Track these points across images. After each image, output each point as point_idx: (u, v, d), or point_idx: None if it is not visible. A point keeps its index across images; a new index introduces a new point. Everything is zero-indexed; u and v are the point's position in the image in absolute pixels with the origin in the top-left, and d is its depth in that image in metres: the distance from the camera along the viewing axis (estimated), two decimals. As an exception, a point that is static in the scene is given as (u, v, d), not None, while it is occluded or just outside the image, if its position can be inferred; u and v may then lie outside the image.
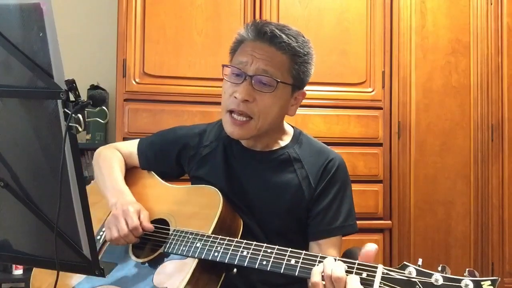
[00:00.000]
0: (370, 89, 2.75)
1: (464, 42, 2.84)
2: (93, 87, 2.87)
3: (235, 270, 1.19)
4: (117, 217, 1.25)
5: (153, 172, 1.49)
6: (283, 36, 1.26)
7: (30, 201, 0.90)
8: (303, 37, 1.32)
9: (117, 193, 1.36)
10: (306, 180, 1.32)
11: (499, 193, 2.85)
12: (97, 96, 0.94)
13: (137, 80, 2.56)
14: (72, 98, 0.82)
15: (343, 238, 1.36)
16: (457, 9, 2.84)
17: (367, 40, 2.75)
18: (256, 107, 1.25)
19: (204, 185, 1.34)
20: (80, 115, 0.82)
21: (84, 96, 0.83)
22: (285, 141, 1.38)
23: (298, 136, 1.40)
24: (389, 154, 2.75)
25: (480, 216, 2.83)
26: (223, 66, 1.30)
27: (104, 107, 2.82)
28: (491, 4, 2.86)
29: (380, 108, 2.75)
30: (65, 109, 0.82)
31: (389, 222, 2.72)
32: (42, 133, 0.89)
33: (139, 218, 1.27)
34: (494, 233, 2.83)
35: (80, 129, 0.82)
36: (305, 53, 1.30)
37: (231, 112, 1.28)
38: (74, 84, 0.82)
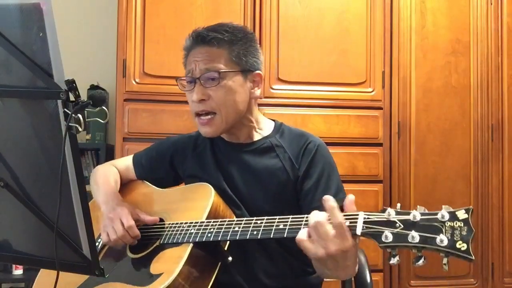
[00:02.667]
0: (370, 89, 2.75)
1: (464, 42, 2.84)
2: (93, 87, 2.87)
3: (230, 258, 1.21)
4: (112, 219, 1.30)
5: (147, 182, 1.54)
6: (213, 33, 1.35)
7: (30, 201, 0.90)
8: (235, 25, 1.41)
9: (109, 200, 1.41)
10: (289, 162, 1.37)
11: (499, 193, 2.85)
12: (97, 96, 0.95)
13: (137, 80, 2.56)
14: (72, 98, 0.82)
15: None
16: (457, 9, 2.84)
17: (367, 40, 2.75)
18: (214, 102, 1.34)
19: (195, 183, 1.39)
20: (80, 115, 0.82)
21: (84, 96, 0.83)
22: (265, 132, 1.45)
23: (279, 127, 1.46)
24: (389, 154, 2.76)
25: (480, 216, 2.83)
26: (177, 79, 1.41)
27: (104, 107, 2.82)
28: (491, 4, 2.86)
29: (380, 108, 2.75)
30: (65, 109, 0.82)
31: (389, 222, 2.72)
32: (42, 133, 0.89)
33: (137, 217, 1.32)
34: (494, 233, 2.83)
35: (80, 129, 0.82)
36: (239, 38, 1.37)
37: (198, 115, 1.37)
38: (74, 84, 0.82)
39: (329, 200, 1.02)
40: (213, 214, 1.26)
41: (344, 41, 2.73)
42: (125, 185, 1.56)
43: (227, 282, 1.27)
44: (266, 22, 2.66)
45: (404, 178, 2.77)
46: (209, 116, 1.35)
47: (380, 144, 2.74)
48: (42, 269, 1.38)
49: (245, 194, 1.37)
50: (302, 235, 1.03)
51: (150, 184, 1.53)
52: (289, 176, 1.36)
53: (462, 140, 2.83)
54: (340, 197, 1.33)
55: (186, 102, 2.83)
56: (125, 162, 1.61)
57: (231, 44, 1.36)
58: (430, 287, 2.76)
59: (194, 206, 1.31)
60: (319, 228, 1.00)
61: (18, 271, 2.71)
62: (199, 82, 1.34)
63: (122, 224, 1.28)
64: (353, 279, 1.45)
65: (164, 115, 2.56)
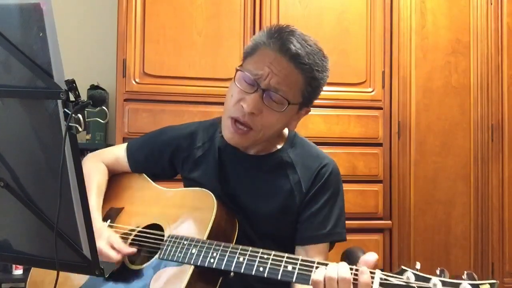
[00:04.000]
0: (370, 89, 2.75)
1: (464, 42, 2.84)
2: (93, 87, 2.88)
3: (232, 273, 1.17)
4: None
5: (144, 175, 1.46)
6: (305, 57, 1.22)
7: (30, 201, 0.90)
8: (323, 56, 1.28)
9: None
10: (298, 185, 1.30)
11: (499, 193, 2.85)
12: (97, 96, 0.95)
13: (137, 80, 2.56)
14: (72, 98, 0.82)
15: (334, 245, 1.35)
16: (457, 9, 2.84)
17: (367, 40, 2.75)
18: (261, 121, 1.22)
19: (197, 188, 1.32)
20: (80, 115, 0.82)
21: (84, 96, 0.83)
22: (279, 144, 1.36)
23: (292, 139, 1.37)
24: (389, 154, 2.75)
25: (480, 216, 2.83)
26: (237, 69, 1.25)
27: (104, 107, 2.82)
28: (491, 4, 2.86)
29: (380, 108, 2.75)
30: (65, 109, 0.81)
31: (389, 222, 2.72)
32: (42, 133, 0.89)
33: (113, 247, 1.23)
34: (494, 233, 2.83)
35: (80, 129, 0.82)
36: (322, 76, 1.26)
37: (234, 120, 1.24)
38: (74, 84, 0.81)
39: (363, 274, 0.96)
40: (215, 229, 1.21)
41: (344, 41, 2.73)
42: (121, 177, 1.48)
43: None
44: (266, 22, 2.66)
45: (404, 178, 2.77)
46: (245, 129, 1.23)
47: (380, 144, 2.74)
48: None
49: (247, 209, 1.31)
50: (319, 276, 0.99)
51: (149, 179, 1.44)
52: (295, 201, 1.30)
53: (462, 140, 2.83)
54: (337, 230, 1.30)
55: (186, 102, 2.84)
56: (115, 153, 1.50)
57: (312, 79, 1.24)
58: (430, 287, 2.76)
59: (195, 218, 1.26)
60: (343, 285, 0.96)
61: (18, 271, 2.71)
62: (260, 93, 1.20)
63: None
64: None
65: (164, 115, 2.56)
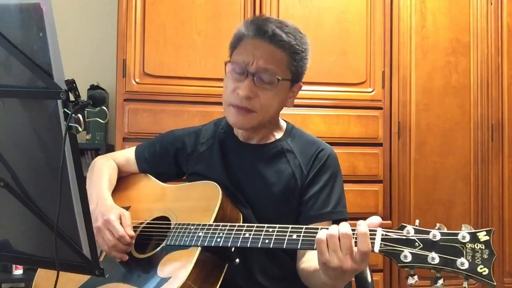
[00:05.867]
0: (370, 89, 2.75)
1: (464, 42, 2.84)
2: (93, 87, 2.88)
3: (237, 260, 1.21)
4: (100, 229, 1.24)
5: (149, 175, 1.51)
6: (283, 35, 1.30)
7: (30, 201, 0.90)
8: (300, 33, 1.37)
9: (97, 199, 1.36)
10: (298, 169, 1.36)
11: (499, 193, 2.85)
12: (97, 96, 0.95)
13: (137, 80, 2.56)
14: (72, 98, 0.82)
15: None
16: (457, 9, 2.84)
17: (367, 40, 2.75)
18: (258, 103, 1.30)
19: (202, 181, 1.37)
20: (80, 115, 0.82)
21: (84, 96, 0.83)
22: (278, 134, 1.43)
23: (290, 130, 1.45)
24: (389, 154, 2.76)
25: (480, 216, 2.83)
26: (226, 63, 1.35)
27: (104, 107, 2.81)
28: (491, 4, 2.86)
29: (380, 108, 2.75)
30: (65, 109, 0.82)
31: (389, 222, 2.72)
32: (42, 133, 0.89)
33: (125, 224, 1.26)
34: (494, 233, 2.83)
35: (80, 129, 0.82)
36: (303, 49, 1.35)
37: (234, 106, 1.32)
38: (74, 84, 0.81)
39: (361, 225, 0.99)
40: (220, 216, 1.24)
41: (344, 41, 2.73)
42: (127, 178, 1.54)
43: (224, 281, 1.26)
44: (266, 22, 2.66)
45: (404, 178, 2.77)
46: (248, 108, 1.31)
47: (380, 144, 2.74)
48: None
49: (252, 196, 1.36)
50: (322, 235, 1.01)
51: (154, 178, 1.50)
52: (297, 183, 1.35)
53: (462, 140, 2.83)
54: (339, 209, 1.35)
55: (186, 102, 2.84)
56: (125, 154, 1.57)
57: (295, 54, 1.32)
58: (431, 286, 2.76)
59: (201, 207, 1.29)
60: (344, 241, 0.98)
61: (18, 271, 2.71)
62: (251, 77, 1.29)
63: (112, 234, 1.23)
64: (354, 279, 1.45)
65: (164, 115, 2.56)
